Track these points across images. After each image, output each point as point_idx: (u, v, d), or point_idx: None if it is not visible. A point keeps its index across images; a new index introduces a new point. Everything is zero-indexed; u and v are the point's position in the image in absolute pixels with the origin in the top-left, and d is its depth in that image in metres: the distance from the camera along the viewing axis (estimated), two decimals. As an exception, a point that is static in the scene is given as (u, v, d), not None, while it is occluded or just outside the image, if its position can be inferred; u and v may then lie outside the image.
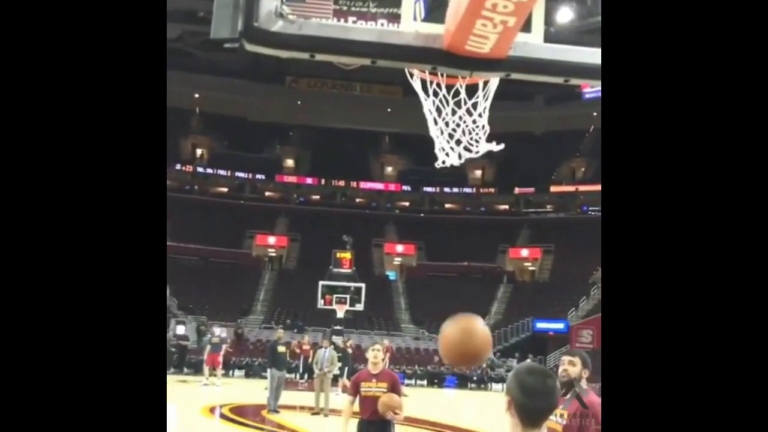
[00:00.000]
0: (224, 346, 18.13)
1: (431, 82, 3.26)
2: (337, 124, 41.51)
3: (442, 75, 3.19)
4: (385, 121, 42.23)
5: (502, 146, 3.44)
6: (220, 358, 17.49)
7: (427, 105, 3.34)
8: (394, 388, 5.06)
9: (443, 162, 3.56)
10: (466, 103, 3.35)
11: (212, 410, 12.72)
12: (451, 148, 3.36)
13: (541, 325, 28.77)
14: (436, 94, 3.29)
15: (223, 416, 11.80)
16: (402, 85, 43.65)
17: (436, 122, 3.42)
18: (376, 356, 5.25)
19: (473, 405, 16.33)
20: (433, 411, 11.40)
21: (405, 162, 43.97)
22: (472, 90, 3.37)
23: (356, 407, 5.24)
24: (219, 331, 20.96)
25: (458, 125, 3.42)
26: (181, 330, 23.17)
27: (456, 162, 3.54)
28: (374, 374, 5.16)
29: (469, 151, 3.50)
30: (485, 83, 3.38)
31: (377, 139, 45.05)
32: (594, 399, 3.77)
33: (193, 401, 14.16)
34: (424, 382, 22.75)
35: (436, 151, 3.56)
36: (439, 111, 3.33)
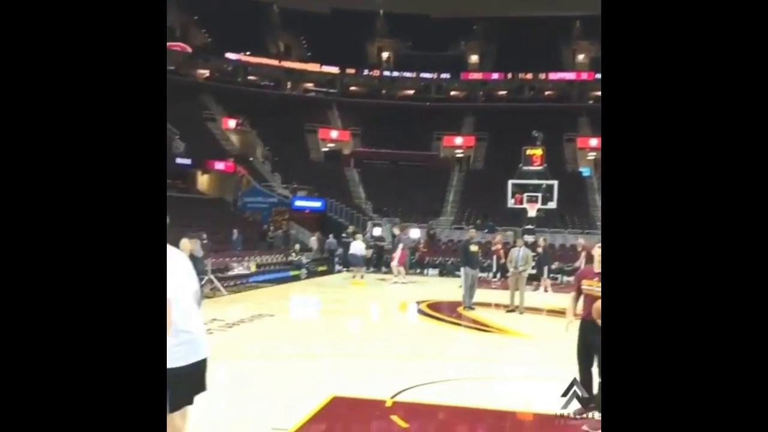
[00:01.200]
0: (400, 245, 19.02)
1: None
2: (522, 12, 39.09)
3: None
4: (575, 4, 38.84)
5: None
6: (392, 256, 18.37)
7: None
8: None
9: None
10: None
11: (409, 306, 13.32)
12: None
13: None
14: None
15: (420, 312, 12.27)
16: (595, -39, 39.56)
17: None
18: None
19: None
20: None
21: (598, 48, 40.46)
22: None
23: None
24: (397, 232, 21.94)
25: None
26: (377, 232, 24.41)
27: None
28: (597, 272, 4.78)
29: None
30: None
31: (567, 25, 41.86)
32: None
33: (391, 298, 14.95)
34: (624, 282, 21.77)
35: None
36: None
